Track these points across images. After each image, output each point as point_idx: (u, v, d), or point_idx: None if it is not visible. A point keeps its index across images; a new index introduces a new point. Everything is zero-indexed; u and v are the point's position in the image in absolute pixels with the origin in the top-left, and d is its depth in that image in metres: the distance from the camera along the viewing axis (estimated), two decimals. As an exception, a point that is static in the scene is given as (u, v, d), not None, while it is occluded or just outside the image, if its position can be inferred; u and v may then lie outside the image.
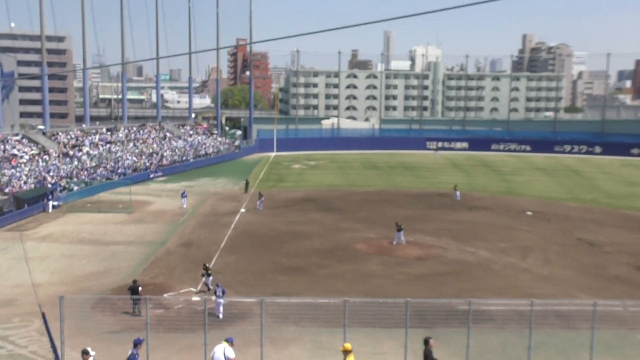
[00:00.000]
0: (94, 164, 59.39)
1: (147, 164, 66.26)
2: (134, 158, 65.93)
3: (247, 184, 55.42)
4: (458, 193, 51.87)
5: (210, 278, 24.64)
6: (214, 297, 22.14)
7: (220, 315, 21.56)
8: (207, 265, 25.07)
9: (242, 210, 46.08)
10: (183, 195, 46.76)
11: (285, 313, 20.57)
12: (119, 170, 60.51)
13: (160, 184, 61.73)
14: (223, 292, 21.88)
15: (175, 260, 31.19)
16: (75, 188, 52.31)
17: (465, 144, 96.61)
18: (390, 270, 29.67)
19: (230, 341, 13.94)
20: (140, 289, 22.57)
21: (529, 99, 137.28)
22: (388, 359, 17.96)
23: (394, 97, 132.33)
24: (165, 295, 24.38)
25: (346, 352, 12.39)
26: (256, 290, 25.75)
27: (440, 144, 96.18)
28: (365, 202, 49.54)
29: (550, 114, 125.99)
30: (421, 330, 19.65)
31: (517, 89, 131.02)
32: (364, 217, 43.01)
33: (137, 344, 13.92)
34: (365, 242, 35.50)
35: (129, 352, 13.74)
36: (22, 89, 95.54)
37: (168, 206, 47.56)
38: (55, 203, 46.44)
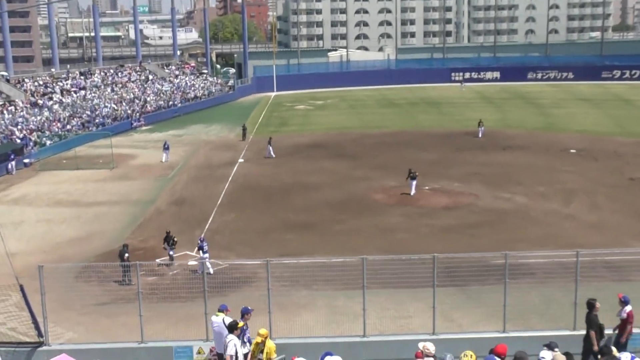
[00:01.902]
0: (67, 114, 59.20)
1: (129, 112, 66.03)
2: (113, 105, 65.66)
3: (244, 130, 55.37)
4: (482, 129, 51.90)
5: (172, 252, 24.41)
6: (200, 254, 23.13)
7: (211, 270, 22.33)
8: (170, 233, 24.86)
9: (241, 160, 46.22)
10: (165, 147, 46.69)
11: (295, 276, 20.71)
12: (97, 120, 60.34)
13: (144, 133, 61.73)
14: (206, 249, 23.25)
15: (166, 221, 31.45)
16: (48, 143, 52.32)
17: (496, 74, 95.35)
18: (413, 222, 29.79)
19: (224, 309, 14.00)
20: (126, 255, 22.83)
21: (571, 18, 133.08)
22: (415, 322, 18.13)
23: (412, 22, 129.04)
24: (157, 260, 24.60)
25: (263, 338, 12.43)
26: (261, 251, 25.98)
27: (467, 75, 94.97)
28: (382, 146, 49.60)
29: (596, 34, 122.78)
30: (451, 289, 19.77)
31: (556, 7, 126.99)
32: (382, 163, 43.13)
33: (244, 313, 13.75)
34: (384, 191, 35.67)
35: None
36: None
37: (155, 159, 47.70)
38: (27, 160, 46.70)
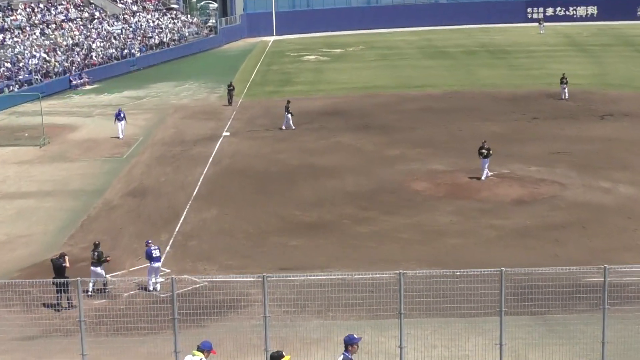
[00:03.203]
0: (-21, 68, 59.93)
1: (66, 65, 66.64)
2: (44, 55, 66.23)
3: (230, 90, 55.79)
4: (566, 89, 51.94)
5: (100, 268, 24.51)
6: (150, 263, 24.15)
7: (158, 287, 23.93)
8: (99, 246, 25.02)
9: (226, 133, 46.45)
10: (118, 117, 46.74)
11: (303, 298, 20.78)
12: (20, 77, 60.83)
13: (88, 95, 61.97)
14: (157, 254, 24.33)
15: (120, 220, 31.66)
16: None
17: (592, 9, 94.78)
18: (471, 222, 29.80)
19: (206, 349, 13.82)
20: (65, 265, 23.03)
21: None
22: (472, 363, 18.23)
23: None
24: (107, 276, 24.71)
25: None
26: (254, 262, 26.02)
27: (549, 11, 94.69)
28: (426, 114, 49.54)
29: None
30: (525, 319, 19.75)
31: None
32: (426, 138, 42.98)
33: (204, 350, 13.83)
34: (428, 178, 35.63)
35: None
36: None
37: (103, 132, 47.86)
38: None
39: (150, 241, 24.66)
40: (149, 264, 24.20)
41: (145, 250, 24.26)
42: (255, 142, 43.99)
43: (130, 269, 25.90)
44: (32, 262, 27.05)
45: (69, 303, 22.30)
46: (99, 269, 23.89)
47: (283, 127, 46.48)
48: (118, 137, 46.01)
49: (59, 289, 21.98)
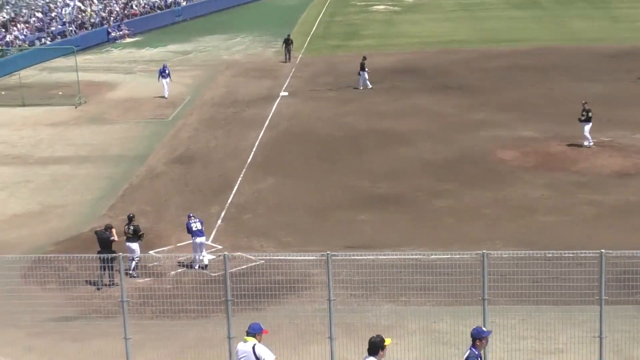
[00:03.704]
0: (4, 18, 60.82)
1: (103, 15, 67.44)
2: (79, 4, 67.08)
3: (288, 44, 55.91)
4: None
5: (136, 244, 24.54)
6: (193, 239, 24.52)
7: (205, 260, 24.36)
8: (134, 219, 25.04)
9: (284, 93, 46.64)
10: (163, 74, 47.18)
11: (372, 280, 20.83)
12: (53, 28, 61.83)
13: (129, 49, 62.78)
14: (198, 228, 24.64)
15: (165, 189, 32.06)
16: (-22, 63, 54.11)
17: None
18: (566, 198, 29.56)
19: (257, 332, 13.83)
20: (113, 238, 23.42)
21: None
22: (566, 360, 18.06)
23: None
24: (151, 252, 25.05)
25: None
26: (316, 239, 26.14)
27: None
28: (513, 72, 49.28)
29: None
30: (630, 309, 19.38)
31: None
32: (513, 101, 42.81)
33: (256, 333, 13.85)
34: (516, 146, 35.51)
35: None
36: None
37: (146, 91, 48.21)
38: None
39: (192, 214, 24.90)
40: (192, 240, 24.63)
41: (189, 223, 24.62)
42: (317, 104, 43.99)
43: (178, 245, 26.22)
44: (68, 235, 27.58)
45: (110, 281, 22.80)
46: (134, 245, 24.25)
47: (360, 87, 46.62)
48: (162, 97, 46.45)
49: (103, 264, 22.47)
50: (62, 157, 36.83)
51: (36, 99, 46.84)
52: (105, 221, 26.71)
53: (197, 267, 24.14)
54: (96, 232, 24.20)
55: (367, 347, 12.01)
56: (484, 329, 13.31)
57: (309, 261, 22.69)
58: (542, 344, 19.02)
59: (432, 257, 21.82)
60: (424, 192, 30.47)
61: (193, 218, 24.65)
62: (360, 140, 37.08)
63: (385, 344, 12.40)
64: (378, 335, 12.38)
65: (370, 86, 46.47)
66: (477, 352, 13.17)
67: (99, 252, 22.78)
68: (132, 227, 24.23)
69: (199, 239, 24.37)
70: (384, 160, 34.24)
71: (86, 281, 22.73)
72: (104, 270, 22.74)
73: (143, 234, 24.56)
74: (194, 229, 24.37)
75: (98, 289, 22.73)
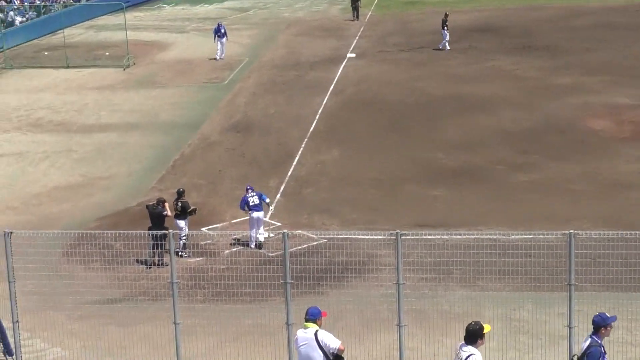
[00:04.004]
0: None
1: (157, -30, 67.24)
2: (131, -41, 67.00)
3: (356, 0, 55.65)
4: None
5: (184, 222, 24.33)
6: (250, 214, 24.39)
7: (261, 238, 24.31)
8: (183, 194, 24.76)
9: (350, 54, 46.68)
10: (218, 34, 47.25)
11: (446, 262, 20.54)
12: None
13: (182, 6, 63.56)
14: (255, 202, 24.38)
15: (219, 160, 32.20)
16: (18, 21, 54.20)
17: None
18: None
19: (316, 317, 13.58)
20: (166, 213, 23.40)
21: None
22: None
23: None
24: (204, 229, 25.14)
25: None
26: (384, 217, 26.04)
27: None
28: (606, 31, 48.81)
29: None
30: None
31: None
32: (605, 63, 42.36)
33: (316, 319, 13.65)
34: (608, 114, 35.17)
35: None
36: None
37: (200, 52, 48.55)
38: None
39: (250, 187, 24.88)
40: (248, 215, 24.49)
41: (246, 197, 24.45)
42: (387, 66, 43.74)
43: (232, 221, 26.17)
44: (114, 209, 27.70)
45: (160, 260, 22.78)
46: (181, 222, 24.18)
47: (440, 47, 46.64)
48: (217, 58, 46.57)
49: (154, 242, 22.47)
50: (107, 124, 37.12)
51: (81, 60, 47.39)
52: (153, 195, 26.82)
53: (253, 246, 24.06)
54: (147, 207, 24.12)
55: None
56: (607, 315, 12.92)
57: (376, 241, 22.55)
58: (634, 336, 18.62)
59: (513, 237, 21.41)
60: (503, 165, 30.19)
61: (250, 191, 24.47)
62: (433, 107, 36.84)
63: (485, 331, 12.23)
64: (476, 322, 12.34)
65: (449, 49, 46.33)
66: (599, 341, 12.78)
67: (149, 229, 22.76)
68: (180, 204, 24.16)
69: (255, 214, 24.16)
70: (459, 129, 33.94)
71: (134, 260, 22.71)
72: (155, 248, 22.77)
73: (194, 209, 24.44)
74: (250, 203, 24.23)
75: (148, 267, 22.71)
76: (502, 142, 32.41)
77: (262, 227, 24.47)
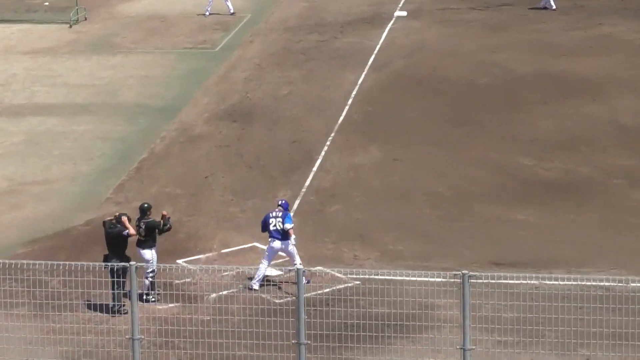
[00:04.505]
0: None
1: None
2: None
3: None
4: None
5: (151, 251, 24.07)
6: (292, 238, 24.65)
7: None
8: (146, 207, 24.41)
9: (399, 13, 47.19)
10: None
11: (535, 319, 20.42)
12: None
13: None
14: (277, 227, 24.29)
15: (207, 162, 32.44)
16: None
17: None
18: None
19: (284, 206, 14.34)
20: (127, 232, 23.19)
21: None
22: None
23: None
24: (180, 262, 25.29)
25: None
26: (443, 249, 26.03)
27: None
28: None
29: None
30: None
31: None
32: None
33: None
34: None
35: None
36: None
37: (180, 4, 49.06)
38: None
39: (283, 202, 24.95)
40: (269, 243, 24.49)
41: (273, 216, 24.43)
42: (451, 30, 44.10)
43: (222, 251, 26.27)
44: (51, 229, 27.73)
45: (117, 306, 22.83)
46: (148, 253, 24.12)
47: (542, 5, 47.17)
48: (205, 14, 47.00)
49: (114, 279, 22.37)
50: (45, 105, 37.30)
51: (9, 13, 47.49)
52: (108, 209, 26.88)
53: (256, 287, 24.18)
54: (104, 224, 24.15)
55: None
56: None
57: (432, 285, 22.41)
58: None
59: (633, 285, 21.34)
60: (620, 178, 30.18)
61: (278, 210, 24.56)
62: (517, 90, 37.00)
63: None
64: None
65: (554, 8, 46.57)
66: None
67: (105, 258, 22.91)
68: (143, 225, 24.17)
69: (277, 244, 24.28)
70: (554, 123, 34.07)
71: (80, 304, 22.73)
72: (116, 288, 22.64)
73: (167, 224, 24.35)
74: (271, 226, 24.34)
75: (113, 315, 22.86)
76: (618, 143, 32.53)
77: (297, 257, 24.50)
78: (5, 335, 20.64)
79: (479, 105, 35.60)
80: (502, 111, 35.10)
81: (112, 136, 34.20)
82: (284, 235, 24.28)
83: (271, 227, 24.29)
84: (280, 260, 25.20)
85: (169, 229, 24.28)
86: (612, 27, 43.18)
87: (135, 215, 24.44)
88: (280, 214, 24.44)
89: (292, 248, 24.37)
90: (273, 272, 24.60)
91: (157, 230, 24.04)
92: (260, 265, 24.32)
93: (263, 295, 23.75)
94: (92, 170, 31.74)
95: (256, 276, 24.24)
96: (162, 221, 24.14)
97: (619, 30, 42.76)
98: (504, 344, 20.48)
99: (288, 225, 24.48)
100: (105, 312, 22.83)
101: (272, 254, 24.29)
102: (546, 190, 29.49)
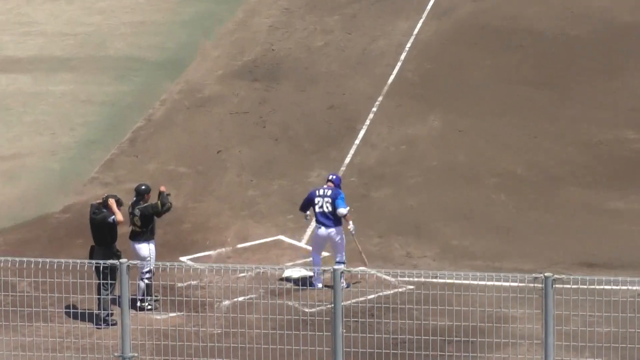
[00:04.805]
0: None
1: None
2: None
3: None
4: None
5: (148, 243, 23.93)
6: (350, 225, 24.81)
7: (320, 285, 24.70)
8: (143, 189, 24.24)
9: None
10: None
11: None
12: None
13: None
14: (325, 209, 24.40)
15: (219, 132, 32.57)
16: None
17: None
18: None
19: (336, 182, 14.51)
20: (113, 219, 23.07)
21: None
22: None
23: None
24: (184, 259, 25.33)
25: None
26: (523, 246, 25.81)
27: None
28: None
29: None
30: None
31: None
32: None
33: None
34: None
35: None
36: None
37: None
38: None
39: (334, 176, 24.91)
40: (315, 230, 24.49)
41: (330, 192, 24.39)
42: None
43: (238, 246, 26.29)
44: (22, 217, 27.86)
45: (105, 314, 22.82)
46: (145, 248, 24.23)
47: None
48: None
49: (101, 281, 22.25)
50: (16, 60, 37.49)
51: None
52: (93, 192, 26.92)
53: (320, 285, 24.17)
54: (91, 207, 24.09)
55: None
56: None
57: (506, 290, 22.27)
58: None
59: None
60: None
61: (327, 188, 24.54)
62: (619, 45, 36.94)
63: None
64: None
65: None
66: None
67: (92, 252, 23.03)
68: (138, 212, 24.13)
69: (323, 231, 24.21)
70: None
71: (58, 312, 22.76)
72: (103, 291, 22.55)
73: (168, 207, 24.26)
74: (317, 207, 24.33)
75: (99, 327, 22.80)
76: None
77: (342, 253, 24.41)
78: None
79: (569, 64, 35.55)
80: (598, 72, 35.03)
81: (99, 99, 34.22)
82: (334, 220, 24.21)
83: (317, 209, 24.26)
84: (312, 258, 25.15)
85: (168, 209, 24.02)
86: None
87: (130, 199, 24.42)
88: (329, 192, 24.32)
89: (340, 239, 24.17)
90: (302, 272, 24.62)
91: (156, 211, 23.90)
92: (313, 258, 24.56)
93: (290, 303, 23.48)
94: (74, 143, 31.76)
95: (314, 273, 24.31)
96: (158, 201, 23.96)
97: None
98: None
99: (343, 210, 24.25)
100: (89, 323, 22.78)
101: (318, 245, 24.35)
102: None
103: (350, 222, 24.22)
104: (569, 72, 34.97)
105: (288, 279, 24.36)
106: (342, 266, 23.50)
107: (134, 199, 24.14)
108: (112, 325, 21.92)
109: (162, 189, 24.06)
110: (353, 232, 24.27)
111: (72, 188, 28.62)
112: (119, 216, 23.21)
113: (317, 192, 24.22)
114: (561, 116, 32.24)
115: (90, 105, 33.79)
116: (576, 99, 33.26)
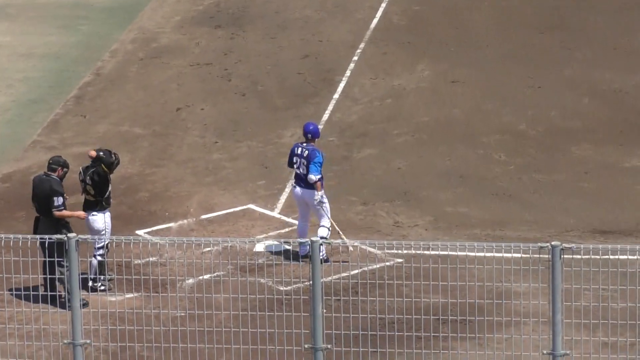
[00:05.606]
0: None
1: None
2: None
3: None
4: None
5: (103, 213, 24.04)
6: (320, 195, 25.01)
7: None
8: (103, 153, 24.30)
9: None
10: None
11: None
12: None
13: None
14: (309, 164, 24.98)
15: (178, 86, 32.84)
16: None
17: None
18: None
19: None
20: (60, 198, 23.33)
21: None
22: None
23: None
24: (141, 232, 25.67)
25: None
26: (528, 212, 26.16)
27: None
28: None
29: None
30: None
31: None
32: None
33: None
34: None
35: None
36: None
37: None
38: None
39: (311, 128, 24.82)
40: (320, 195, 24.49)
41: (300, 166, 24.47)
42: None
43: (203, 217, 26.59)
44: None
45: (52, 297, 22.82)
46: (99, 219, 24.29)
47: None
48: None
49: (47, 258, 22.43)
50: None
51: None
52: (35, 158, 27.02)
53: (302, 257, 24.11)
54: (33, 181, 24.22)
55: None
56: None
57: (508, 262, 22.56)
58: None
59: None
60: None
61: (305, 146, 24.53)
62: None
63: None
64: None
65: None
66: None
67: (35, 225, 23.25)
68: (94, 177, 24.18)
69: (299, 191, 24.48)
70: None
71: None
72: (44, 270, 22.72)
73: (115, 161, 24.00)
74: (295, 166, 24.51)
75: (50, 304, 22.93)
76: None
77: (324, 220, 24.52)
78: None
79: (580, 1, 35.64)
80: (614, 11, 35.13)
81: (40, 51, 34.38)
82: (308, 182, 24.36)
83: (295, 167, 24.49)
84: (286, 229, 25.44)
85: (118, 161, 23.85)
86: None
87: (77, 166, 24.58)
88: (306, 152, 24.37)
89: (319, 204, 24.14)
90: (276, 245, 24.86)
91: (109, 181, 23.97)
92: (298, 222, 24.77)
93: (262, 281, 23.78)
94: (11, 102, 31.96)
95: (301, 246, 24.01)
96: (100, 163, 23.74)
97: None
98: (612, 347, 20.65)
99: (312, 177, 24.22)
100: (35, 306, 23.07)
101: (299, 208, 24.65)
102: None
103: (317, 192, 24.13)
104: (581, 11, 35.16)
105: (260, 254, 24.51)
106: (323, 233, 24.01)
107: (88, 164, 24.07)
108: (61, 309, 21.59)
109: (92, 153, 23.84)
110: (317, 204, 24.22)
111: (11, 154, 28.73)
112: (78, 213, 23.55)
113: (296, 149, 24.34)
114: (571, 62, 32.45)
115: (30, 58, 33.98)
116: (589, 43, 33.48)
